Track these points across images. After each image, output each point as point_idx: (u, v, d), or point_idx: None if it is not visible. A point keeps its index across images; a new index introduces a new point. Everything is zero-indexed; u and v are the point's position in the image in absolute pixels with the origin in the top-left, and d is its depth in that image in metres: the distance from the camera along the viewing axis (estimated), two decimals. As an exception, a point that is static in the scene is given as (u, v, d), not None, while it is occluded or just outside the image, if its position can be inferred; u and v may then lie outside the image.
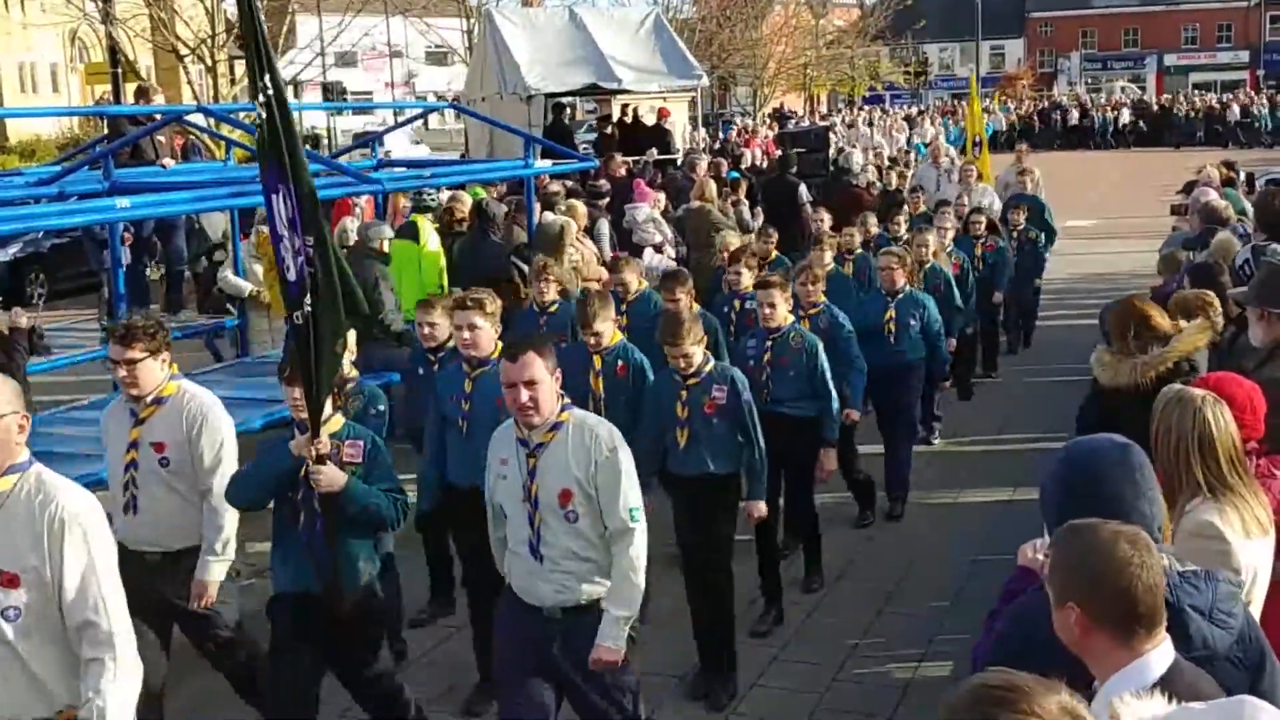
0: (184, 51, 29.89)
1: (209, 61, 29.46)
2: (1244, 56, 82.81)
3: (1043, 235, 16.23)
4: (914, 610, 8.57)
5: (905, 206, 15.73)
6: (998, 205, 17.08)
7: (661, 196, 16.37)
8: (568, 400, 5.45)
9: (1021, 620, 3.54)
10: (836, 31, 59.28)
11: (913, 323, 10.62)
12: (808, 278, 9.53)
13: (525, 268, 11.45)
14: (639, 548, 5.32)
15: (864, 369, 9.43)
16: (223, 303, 13.97)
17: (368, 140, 15.53)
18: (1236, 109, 56.30)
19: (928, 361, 10.85)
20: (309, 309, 5.32)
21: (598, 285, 12.43)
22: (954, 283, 12.24)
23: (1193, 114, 56.94)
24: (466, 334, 7.11)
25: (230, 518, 6.22)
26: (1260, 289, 6.33)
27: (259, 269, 12.53)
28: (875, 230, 13.92)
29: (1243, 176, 18.06)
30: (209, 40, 29.29)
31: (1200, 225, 10.65)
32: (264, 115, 5.12)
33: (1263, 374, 5.72)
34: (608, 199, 15.85)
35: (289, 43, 36.78)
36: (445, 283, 12.66)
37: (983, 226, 14.35)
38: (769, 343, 8.55)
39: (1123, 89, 71.18)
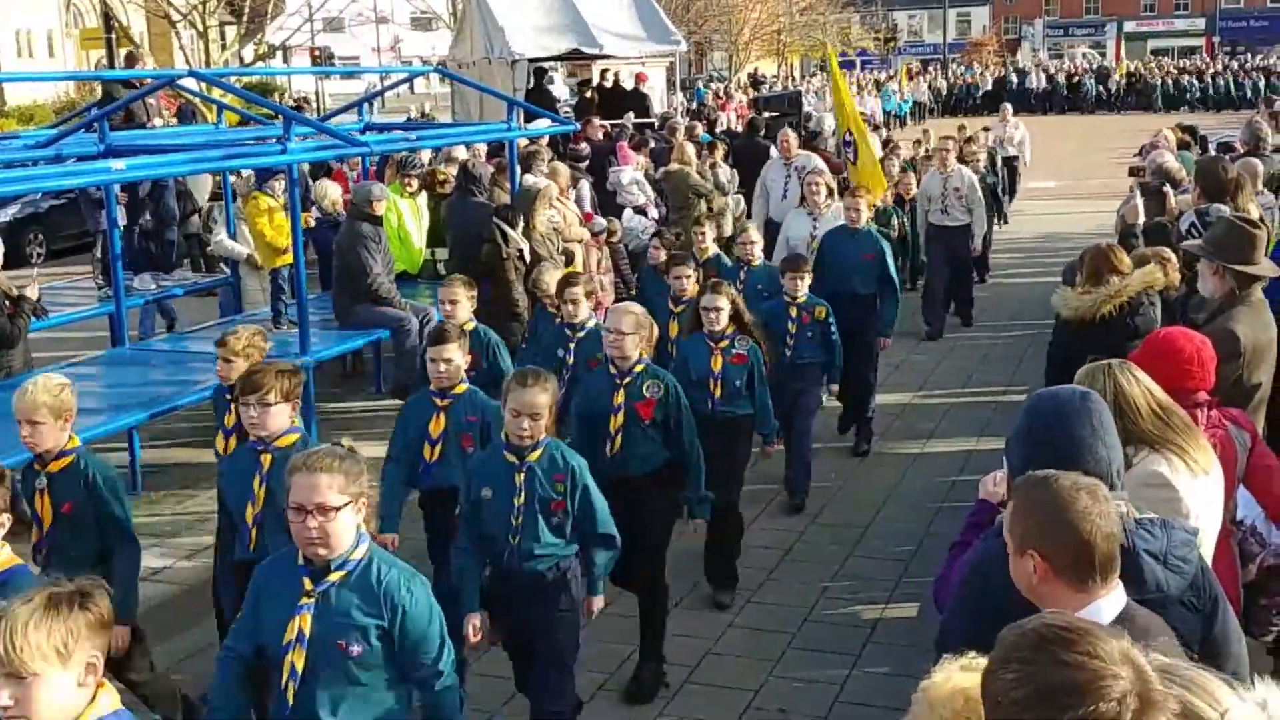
0: (176, 17, 30.08)
1: (200, 27, 29.56)
2: (1200, 24, 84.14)
3: (831, 315, 9.64)
4: (882, 554, 8.86)
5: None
6: None
7: (644, 159, 16.67)
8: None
9: (981, 568, 3.61)
10: (809, -2, 59.68)
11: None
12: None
13: (507, 228, 11.72)
14: None
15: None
16: (213, 262, 14.26)
17: (357, 103, 15.71)
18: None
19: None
20: None
21: (579, 246, 12.81)
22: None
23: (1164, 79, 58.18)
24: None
25: None
26: (1216, 244, 6.48)
27: (247, 230, 12.79)
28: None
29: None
30: (200, 6, 29.37)
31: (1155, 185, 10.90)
32: None
33: (1214, 325, 6.04)
34: (587, 161, 16.16)
35: (278, 9, 36.89)
36: (412, 244, 12.98)
37: (723, 317, 8.04)
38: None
39: (1084, 55, 71.63)
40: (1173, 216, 9.44)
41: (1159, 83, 57.75)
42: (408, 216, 12.81)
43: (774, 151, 16.25)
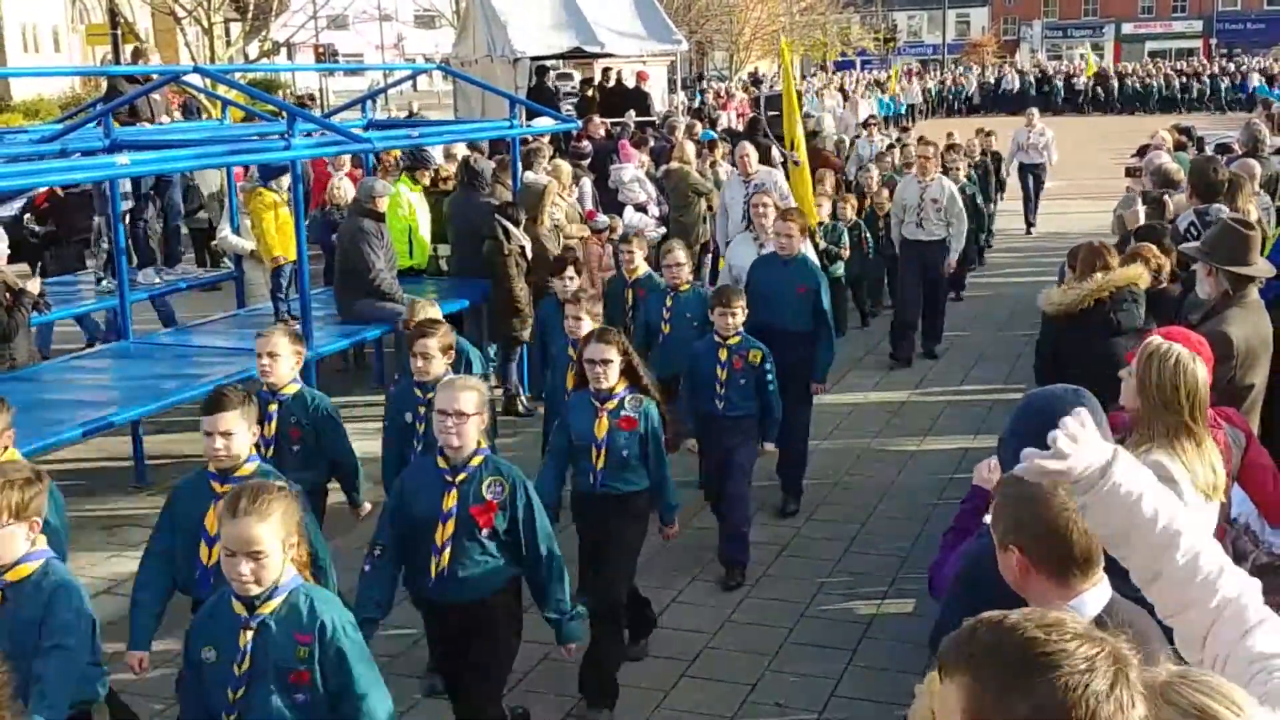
0: (181, 14, 30.23)
1: (205, 23, 29.73)
2: (1197, 26, 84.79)
3: (770, 361, 8.39)
4: (878, 550, 8.91)
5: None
6: None
7: (645, 157, 16.74)
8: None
9: (980, 562, 3.60)
10: (809, -2, 59.88)
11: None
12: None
13: (509, 225, 11.77)
14: None
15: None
16: (217, 257, 14.33)
17: (360, 100, 15.76)
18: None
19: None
20: None
21: (578, 242, 12.88)
22: None
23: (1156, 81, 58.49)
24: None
25: None
26: (1210, 245, 6.51)
27: (249, 223, 12.86)
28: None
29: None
30: (205, 3, 29.52)
31: (1154, 187, 10.87)
32: None
33: (1207, 327, 6.06)
34: (589, 159, 16.24)
35: (283, 6, 37.04)
36: (421, 237, 13.02)
37: (612, 371, 6.66)
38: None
39: (1082, 56, 71.79)
40: (1170, 218, 9.49)
41: (1117, 85, 58.17)
42: (419, 209, 12.87)
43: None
